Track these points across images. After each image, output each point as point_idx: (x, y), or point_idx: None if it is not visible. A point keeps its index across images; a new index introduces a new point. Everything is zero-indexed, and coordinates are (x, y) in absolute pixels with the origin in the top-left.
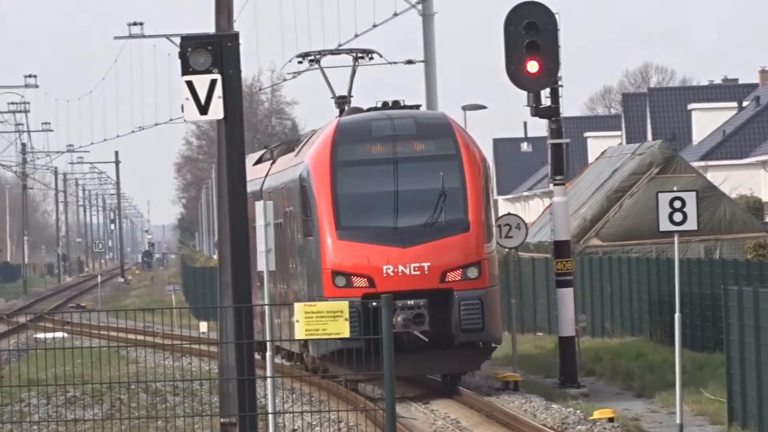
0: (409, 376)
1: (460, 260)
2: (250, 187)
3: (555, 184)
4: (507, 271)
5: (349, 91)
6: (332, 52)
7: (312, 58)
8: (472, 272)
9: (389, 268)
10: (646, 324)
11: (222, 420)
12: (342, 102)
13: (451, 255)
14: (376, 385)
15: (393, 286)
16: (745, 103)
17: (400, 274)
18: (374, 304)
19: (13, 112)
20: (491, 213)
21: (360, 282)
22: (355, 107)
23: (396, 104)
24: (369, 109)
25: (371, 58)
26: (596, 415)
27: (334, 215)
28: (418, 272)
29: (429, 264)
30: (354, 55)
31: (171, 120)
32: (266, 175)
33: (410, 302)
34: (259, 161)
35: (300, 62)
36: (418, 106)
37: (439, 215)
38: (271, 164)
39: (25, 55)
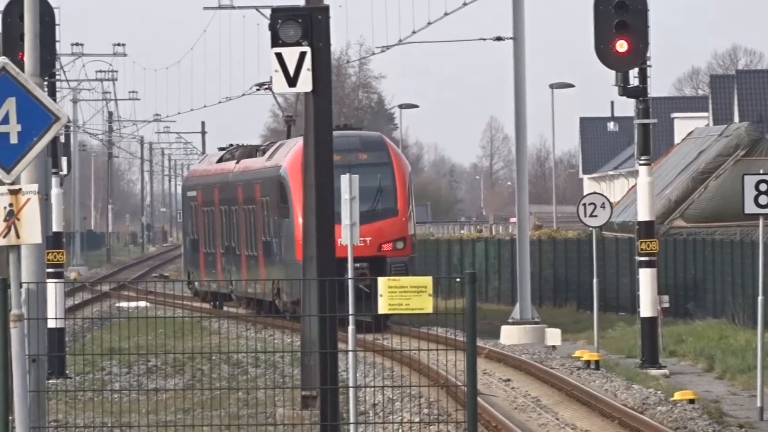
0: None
1: (391, 236)
2: (218, 179)
3: (641, 164)
4: (590, 250)
5: (295, 111)
6: None
7: (267, 86)
8: (400, 244)
9: (342, 240)
10: (729, 306)
11: (303, 393)
12: (289, 120)
13: (385, 232)
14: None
15: (345, 253)
16: None
17: None
18: (457, 279)
19: (101, 80)
20: (413, 204)
21: None
22: None
23: (346, 126)
24: None
25: None
26: (677, 396)
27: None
28: (363, 244)
29: (370, 238)
30: None
31: (258, 91)
32: (232, 171)
33: (357, 265)
34: (220, 160)
35: (258, 89)
36: (361, 128)
37: (377, 204)
38: (236, 163)
39: (114, 24)
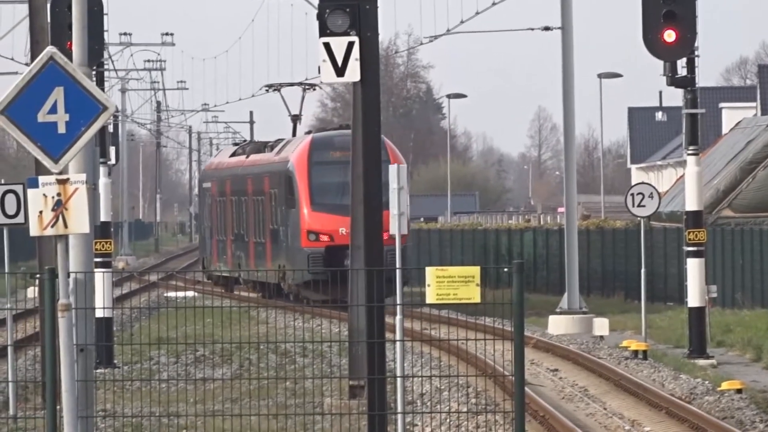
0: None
1: (387, 227)
2: (230, 172)
3: (689, 154)
4: (638, 240)
5: (300, 111)
6: (289, 85)
7: (275, 88)
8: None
9: (343, 230)
10: None
11: (351, 382)
12: (295, 119)
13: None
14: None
15: (345, 241)
16: None
17: (349, 233)
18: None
19: (149, 69)
20: (407, 198)
21: (324, 238)
22: (321, 127)
23: (347, 126)
24: (329, 129)
25: (314, 90)
26: (724, 386)
27: (310, 195)
28: None
29: None
30: (303, 87)
31: (307, 80)
32: (243, 165)
33: None
34: (233, 155)
35: (267, 90)
36: None
37: None
38: (246, 157)
39: (162, 14)
